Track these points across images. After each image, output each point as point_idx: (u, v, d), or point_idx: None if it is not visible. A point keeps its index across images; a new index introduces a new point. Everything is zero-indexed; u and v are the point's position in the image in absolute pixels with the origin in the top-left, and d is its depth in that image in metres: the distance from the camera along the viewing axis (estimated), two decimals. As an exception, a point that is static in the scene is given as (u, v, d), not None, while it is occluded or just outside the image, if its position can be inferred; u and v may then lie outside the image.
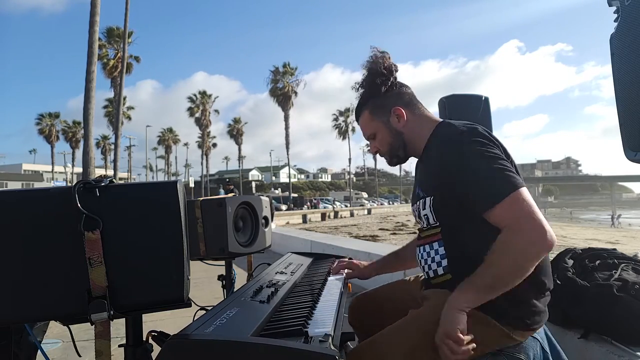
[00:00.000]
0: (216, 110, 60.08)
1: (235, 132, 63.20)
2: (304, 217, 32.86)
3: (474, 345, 1.11)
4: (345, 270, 1.75)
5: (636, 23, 0.96)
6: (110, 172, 27.68)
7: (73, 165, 50.62)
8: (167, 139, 68.94)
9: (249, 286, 1.36)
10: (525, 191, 1.14)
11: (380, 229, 19.95)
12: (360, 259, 1.96)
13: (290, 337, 0.92)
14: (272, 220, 2.14)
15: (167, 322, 2.80)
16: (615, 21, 1.04)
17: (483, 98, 2.57)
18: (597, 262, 2.00)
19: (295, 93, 51.65)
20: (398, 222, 24.82)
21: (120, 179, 31.78)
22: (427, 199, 1.34)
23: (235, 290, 1.81)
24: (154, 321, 3.01)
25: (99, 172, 27.69)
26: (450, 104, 2.45)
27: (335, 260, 1.99)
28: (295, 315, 1.10)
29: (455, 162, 1.23)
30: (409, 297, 1.44)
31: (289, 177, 65.41)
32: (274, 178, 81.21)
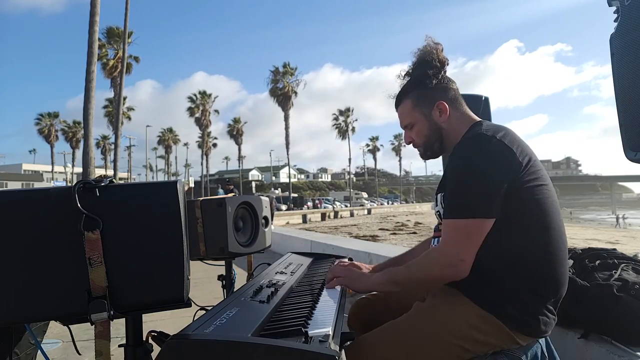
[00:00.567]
0: (216, 110, 60.14)
1: (235, 132, 63.19)
2: (304, 217, 32.85)
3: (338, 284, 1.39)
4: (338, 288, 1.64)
5: (636, 23, 0.96)
6: (110, 172, 27.67)
7: (73, 165, 50.61)
8: (167, 139, 68.95)
9: (249, 286, 1.36)
10: (473, 222, 1.17)
11: (380, 229, 19.95)
12: (360, 259, 1.96)
13: (290, 337, 0.92)
14: (272, 220, 2.14)
15: (167, 322, 2.80)
16: (615, 21, 1.04)
17: (483, 98, 2.56)
18: (597, 262, 2.00)
19: (295, 93, 51.71)
20: (398, 222, 24.81)
21: (120, 179, 31.78)
22: (439, 195, 1.36)
23: (235, 290, 1.80)
24: (154, 321, 3.01)
25: (99, 172, 27.69)
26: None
27: (335, 260, 1.99)
28: (295, 315, 1.10)
29: (455, 162, 1.25)
30: (413, 299, 1.44)
31: (289, 177, 65.42)
32: (274, 178, 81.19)
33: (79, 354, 1.14)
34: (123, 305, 0.92)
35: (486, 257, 1.18)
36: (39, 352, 1.17)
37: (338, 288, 1.43)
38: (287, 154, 52.41)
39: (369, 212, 45.23)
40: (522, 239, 1.20)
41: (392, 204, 66.11)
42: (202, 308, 1.39)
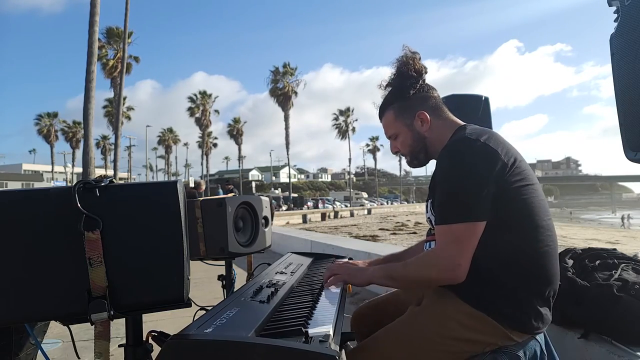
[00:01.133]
0: (216, 111, 60.17)
1: (235, 132, 63.18)
2: (304, 217, 32.85)
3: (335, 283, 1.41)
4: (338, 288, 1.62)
5: (636, 23, 0.96)
6: (110, 172, 27.66)
7: (73, 165, 50.62)
8: (167, 139, 68.97)
9: (249, 286, 1.36)
10: (466, 227, 1.18)
11: (380, 229, 19.94)
12: (360, 259, 1.96)
13: (290, 337, 0.92)
14: (272, 220, 2.14)
15: (167, 322, 2.81)
16: (615, 21, 1.04)
17: (483, 98, 2.56)
18: (597, 262, 2.00)
19: (295, 93, 51.73)
20: (398, 222, 24.80)
21: (120, 179, 31.77)
22: (429, 201, 1.38)
23: (235, 290, 1.80)
24: (154, 321, 3.01)
25: (99, 172, 27.67)
26: (450, 104, 2.41)
27: (334, 260, 1.99)
28: (295, 315, 1.10)
29: (442, 168, 1.27)
30: (415, 301, 1.44)
31: (289, 177, 65.45)
32: (274, 178, 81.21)
33: (78, 358, 1.14)
34: (123, 305, 0.92)
35: (477, 257, 1.19)
36: (39, 352, 1.17)
37: (338, 288, 1.43)
38: (287, 154, 52.45)
39: (369, 212, 45.21)
40: (512, 238, 1.22)
41: (392, 204, 66.04)
42: (202, 308, 1.39)
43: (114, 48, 34.51)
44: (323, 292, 1.39)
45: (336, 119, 64.22)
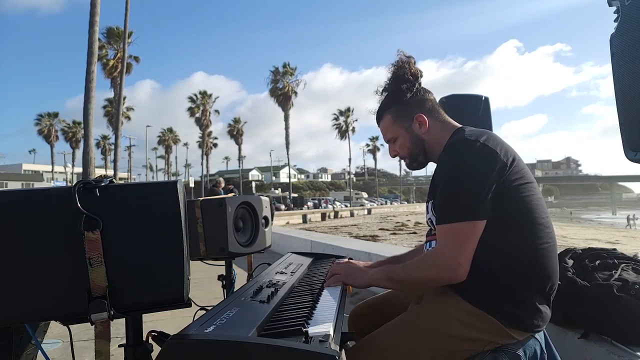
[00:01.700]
0: (216, 111, 60.20)
1: (235, 132, 63.22)
2: (304, 217, 32.86)
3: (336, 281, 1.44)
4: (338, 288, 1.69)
5: (636, 23, 0.96)
6: (110, 172, 27.67)
7: (73, 165, 50.61)
8: (167, 139, 68.96)
9: (249, 286, 1.36)
10: (466, 225, 1.19)
11: (380, 229, 19.95)
12: (360, 259, 1.96)
13: (290, 337, 0.92)
14: (272, 220, 2.14)
15: (167, 322, 2.81)
16: (615, 21, 1.04)
17: (483, 98, 2.56)
18: (597, 262, 2.00)
19: (295, 93, 51.74)
20: (398, 222, 24.81)
21: (120, 179, 31.78)
22: (430, 202, 1.39)
23: (235, 290, 1.80)
24: (154, 321, 3.01)
25: (99, 172, 27.68)
26: (450, 104, 2.44)
27: (335, 260, 1.99)
28: (295, 315, 1.10)
29: (442, 169, 1.29)
30: (414, 300, 1.44)
31: (289, 177, 65.46)
32: (274, 178, 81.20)
33: (74, 358, 1.13)
34: (123, 305, 0.92)
35: (476, 255, 1.20)
36: (39, 352, 1.17)
37: (338, 288, 1.43)
38: (287, 154, 52.47)
39: (369, 212, 45.22)
40: (511, 236, 1.23)
41: (391, 203, 66.03)
42: (202, 308, 1.39)
43: (114, 48, 34.53)
44: (323, 292, 1.39)
45: (336, 119, 64.29)
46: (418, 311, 1.30)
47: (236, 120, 64.05)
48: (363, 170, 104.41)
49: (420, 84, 1.44)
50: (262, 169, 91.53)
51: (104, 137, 60.60)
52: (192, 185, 47.76)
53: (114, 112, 29.73)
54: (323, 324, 1.03)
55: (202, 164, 62.83)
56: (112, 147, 31.57)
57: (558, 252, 1.46)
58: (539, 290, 1.24)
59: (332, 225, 25.47)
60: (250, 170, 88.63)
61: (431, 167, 1.48)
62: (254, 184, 71.16)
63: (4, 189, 1.04)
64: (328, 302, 1.27)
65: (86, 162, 15.57)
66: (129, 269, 0.92)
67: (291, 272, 1.65)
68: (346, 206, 50.77)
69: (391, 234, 17.59)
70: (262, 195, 2.20)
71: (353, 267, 1.50)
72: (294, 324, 1.00)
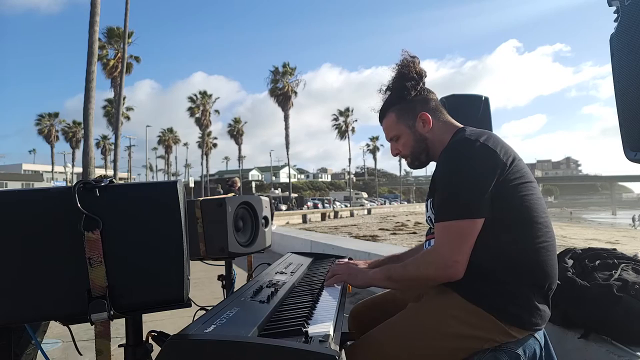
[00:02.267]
0: (216, 111, 60.17)
1: (235, 132, 63.18)
2: (304, 217, 32.86)
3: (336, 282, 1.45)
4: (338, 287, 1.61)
5: (636, 23, 0.96)
6: (110, 172, 27.67)
7: (73, 165, 50.50)
8: (168, 139, 68.92)
9: (249, 286, 1.36)
10: (464, 223, 1.20)
11: (380, 229, 19.94)
12: (360, 259, 1.96)
13: (291, 337, 0.92)
14: (272, 220, 2.14)
15: (167, 322, 2.81)
16: (615, 21, 1.04)
17: (483, 98, 2.56)
18: (597, 262, 2.00)
19: (295, 93, 51.70)
20: (398, 222, 24.80)
21: (120, 179, 31.78)
22: (429, 201, 1.40)
23: (235, 290, 1.80)
24: (154, 321, 3.01)
25: (99, 172, 27.68)
26: (450, 104, 2.44)
27: (335, 260, 1.99)
28: (295, 315, 1.10)
29: (442, 168, 1.30)
30: (413, 298, 1.45)
31: (289, 177, 65.43)
32: (274, 178, 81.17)
33: (80, 354, 1.14)
34: (123, 305, 0.92)
35: (476, 253, 1.21)
36: (39, 352, 1.17)
37: (338, 288, 1.43)
38: (287, 154, 52.42)
39: (369, 212, 45.21)
40: (510, 234, 1.23)
41: (390, 203, 65.99)
42: (202, 308, 1.39)
43: (115, 48, 34.51)
44: (323, 292, 1.39)
45: (336, 119, 64.28)
46: (416, 309, 1.31)
47: (236, 120, 64.03)
48: (363, 170, 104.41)
49: (424, 83, 1.45)
50: (262, 169, 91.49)
51: (104, 137, 60.55)
52: (192, 185, 47.73)
53: (114, 112, 29.70)
54: (323, 324, 1.03)
55: (202, 164, 62.85)
56: (112, 147, 31.53)
57: (558, 252, 1.47)
58: (538, 289, 1.24)
59: (332, 225, 25.46)
60: (250, 170, 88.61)
61: (431, 166, 1.49)
62: (253, 184, 71.13)
63: (4, 189, 1.04)
64: (328, 302, 1.27)
65: (86, 162, 15.56)
66: (129, 269, 0.92)
67: (291, 272, 1.65)
68: (346, 206, 50.77)
69: (391, 234, 17.59)
70: (262, 195, 2.20)
71: (353, 267, 1.51)
72: (294, 324, 1.00)
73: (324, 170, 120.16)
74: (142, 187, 1.04)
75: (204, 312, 1.09)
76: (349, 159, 69.37)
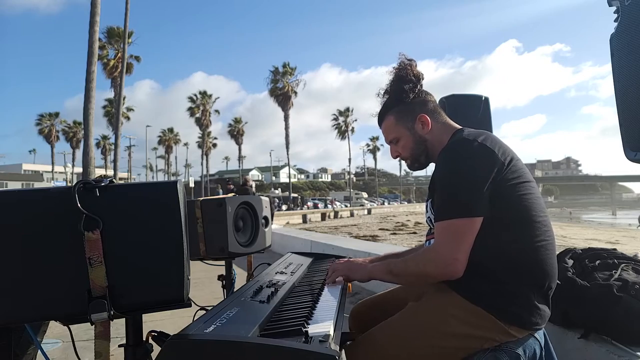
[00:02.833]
0: (217, 111, 60.14)
1: (235, 132, 63.18)
2: (304, 217, 32.86)
3: (340, 280, 1.48)
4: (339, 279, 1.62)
5: (636, 23, 0.96)
6: (110, 172, 27.67)
7: (73, 165, 50.48)
8: (168, 139, 68.91)
9: (249, 286, 1.36)
10: (463, 222, 1.21)
11: (380, 229, 19.94)
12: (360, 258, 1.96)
13: (291, 337, 0.92)
14: (272, 220, 2.14)
15: (167, 322, 2.81)
16: (615, 21, 1.04)
17: (483, 98, 2.57)
18: (597, 262, 2.00)
19: (295, 93, 51.68)
20: (398, 222, 24.79)
21: (120, 179, 31.78)
22: (429, 201, 1.41)
23: (235, 290, 1.80)
24: (154, 321, 3.01)
25: (99, 172, 27.68)
26: (450, 104, 2.45)
27: (335, 260, 1.99)
28: (295, 315, 1.10)
29: (441, 168, 1.31)
30: (413, 298, 1.45)
31: (289, 177, 65.42)
32: (274, 178, 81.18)
33: (79, 359, 1.14)
34: (123, 305, 0.92)
35: (475, 253, 1.21)
36: (39, 352, 1.17)
37: (338, 287, 1.43)
38: (287, 154, 52.38)
39: (369, 212, 45.21)
40: (509, 233, 1.24)
41: (389, 203, 65.94)
42: (202, 308, 1.39)
43: (115, 48, 34.49)
44: (323, 292, 1.39)
45: (336, 119, 64.29)
46: (416, 308, 1.31)
47: (237, 120, 64.01)
48: (363, 170, 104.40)
49: (422, 85, 1.47)
50: (262, 169, 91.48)
51: (104, 137, 60.53)
52: (192, 185, 47.74)
53: (114, 112, 29.70)
54: (323, 324, 1.03)
55: (202, 164, 62.83)
56: (112, 147, 31.54)
57: (558, 252, 1.47)
58: (537, 288, 1.25)
59: (332, 225, 25.47)
60: (250, 170, 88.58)
61: (431, 167, 1.49)
62: (254, 184, 71.10)
63: (4, 189, 1.04)
64: (328, 302, 1.27)
65: (86, 162, 15.56)
66: (129, 269, 0.92)
67: (291, 272, 1.65)
68: (346, 206, 50.77)
69: (391, 234, 17.58)
70: (262, 195, 2.21)
71: (353, 263, 1.53)
72: (294, 324, 1.00)
73: (324, 170, 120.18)
74: (142, 187, 1.04)
75: (204, 312, 1.09)
76: (349, 159, 69.43)
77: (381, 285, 1.68)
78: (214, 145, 67.16)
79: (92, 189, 0.92)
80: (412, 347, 1.23)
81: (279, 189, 65.79)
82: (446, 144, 1.36)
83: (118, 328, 1.03)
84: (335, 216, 37.79)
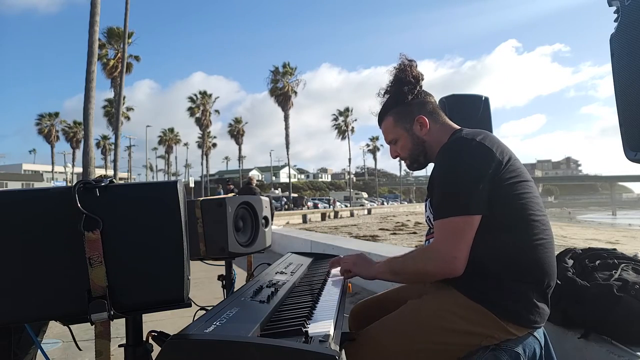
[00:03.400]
0: (217, 111, 60.13)
1: (236, 132, 63.17)
2: (304, 217, 32.85)
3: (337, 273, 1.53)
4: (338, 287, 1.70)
5: (636, 23, 0.96)
6: (110, 172, 27.67)
7: (73, 165, 50.46)
8: (169, 139, 68.90)
9: (249, 286, 1.36)
10: (462, 220, 1.22)
11: (380, 229, 19.93)
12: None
13: (291, 337, 0.92)
14: (272, 220, 2.14)
15: (167, 322, 2.80)
16: (615, 21, 1.04)
17: (483, 98, 2.57)
18: (597, 262, 2.00)
19: (295, 93, 51.63)
20: (398, 222, 24.79)
21: (120, 179, 31.77)
22: (428, 201, 1.42)
23: (235, 290, 1.80)
24: (154, 321, 3.01)
25: (99, 172, 27.67)
26: (450, 104, 2.45)
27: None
28: (295, 315, 1.10)
29: (439, 167, 1.32)
30: (414, 297, 1.45)
31: (289, 177, 65.36)
32: (274, 178, 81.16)
33: (80, 349, 1.14)
34: (123, 305, 0.92)
35: (474, 251, 1.22)
36: (39, 352, 1.17)
37: (338, 287, 1.43)
38: (287, 154, 52.33)
39: (369, 212, 45.20)
40: (507, 232, 1.25)
41: (389, 203, 65.93)
42: (202, 308, 1.39)
43: (115, 48, 34.47)
44: (323, 292, 1.40)
45: (335, 119, 64.27)
46: (415, 305, 1.32)
47: (237, 120, 64.00)
48: (363, 170, 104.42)
49: (421, 86, 1.47)
50: (262, 169, 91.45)
51: (104, 137, 60.52)
52: (192, 185, 47.75)
53: (114, 112, 29.67)
54: (323, 324, 1.03)
55: (202, 164, 62.84)
56: (112, 147, 31.56)
57: (558, 252, 1.47)
58: (536, 286, 1.25)
59: (332, 225, 25.46)
60: (250, 170, 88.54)
61: (431, 167, 1.50)
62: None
63: (4, 189, 1.04)
64: (328, 301, 1.27)
65: (86, 162, 15.55)
66: (129, 269, 0.92)
67: (291, 272, 1.65)
68: (346, 206, 50.76)
69: (391, 234, 17.57)
70: (262, 195, 2.21)
71: (363, 258, 1.55)
72: (294, 324, 1.00)
73: (324, 170, 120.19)
74: (142, 187, 1.04)
75: (204, 312, 1.09)
76: (349, 159, 69.37)
77: (381, 286, 1.68)
78: (214, 145, 67.21)
79: (92, 189, 0.92)
80: (411, 342, 1.23)
81: (279, 189, 65.77)
82: (446, 143, 1.36)
83: (118, 328, 1.03)
84: (335, 216, 37.78)
